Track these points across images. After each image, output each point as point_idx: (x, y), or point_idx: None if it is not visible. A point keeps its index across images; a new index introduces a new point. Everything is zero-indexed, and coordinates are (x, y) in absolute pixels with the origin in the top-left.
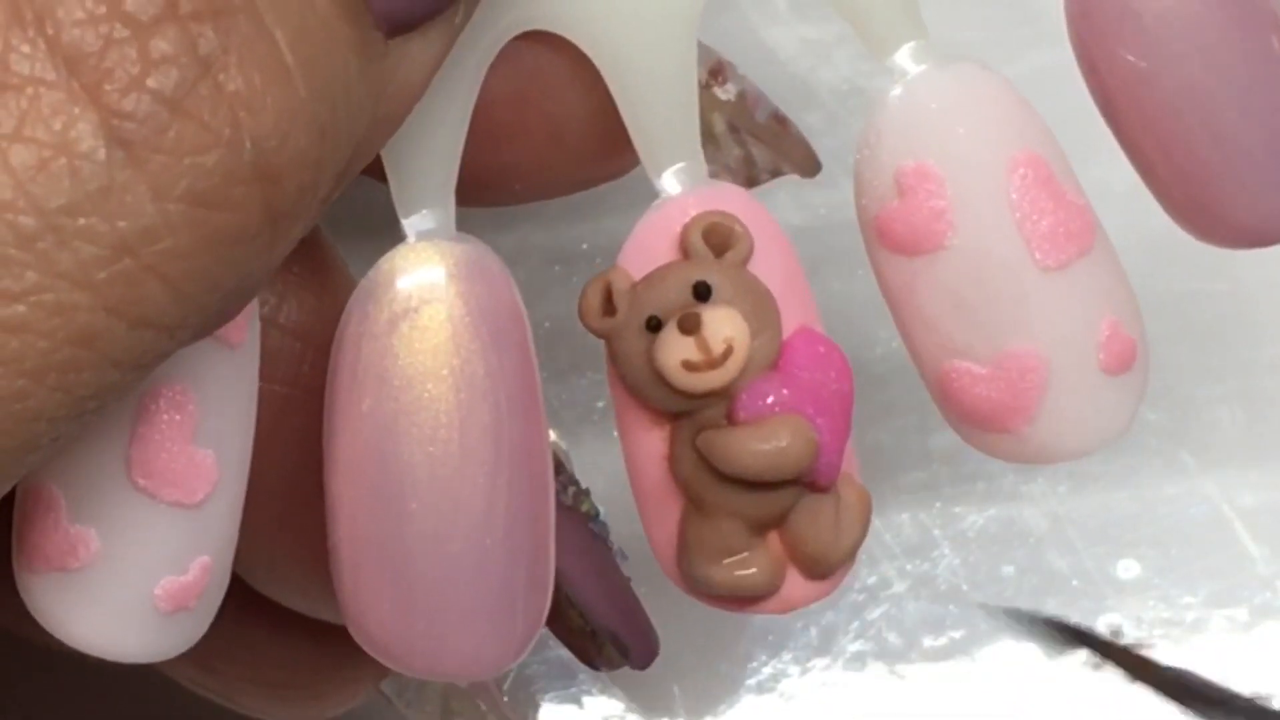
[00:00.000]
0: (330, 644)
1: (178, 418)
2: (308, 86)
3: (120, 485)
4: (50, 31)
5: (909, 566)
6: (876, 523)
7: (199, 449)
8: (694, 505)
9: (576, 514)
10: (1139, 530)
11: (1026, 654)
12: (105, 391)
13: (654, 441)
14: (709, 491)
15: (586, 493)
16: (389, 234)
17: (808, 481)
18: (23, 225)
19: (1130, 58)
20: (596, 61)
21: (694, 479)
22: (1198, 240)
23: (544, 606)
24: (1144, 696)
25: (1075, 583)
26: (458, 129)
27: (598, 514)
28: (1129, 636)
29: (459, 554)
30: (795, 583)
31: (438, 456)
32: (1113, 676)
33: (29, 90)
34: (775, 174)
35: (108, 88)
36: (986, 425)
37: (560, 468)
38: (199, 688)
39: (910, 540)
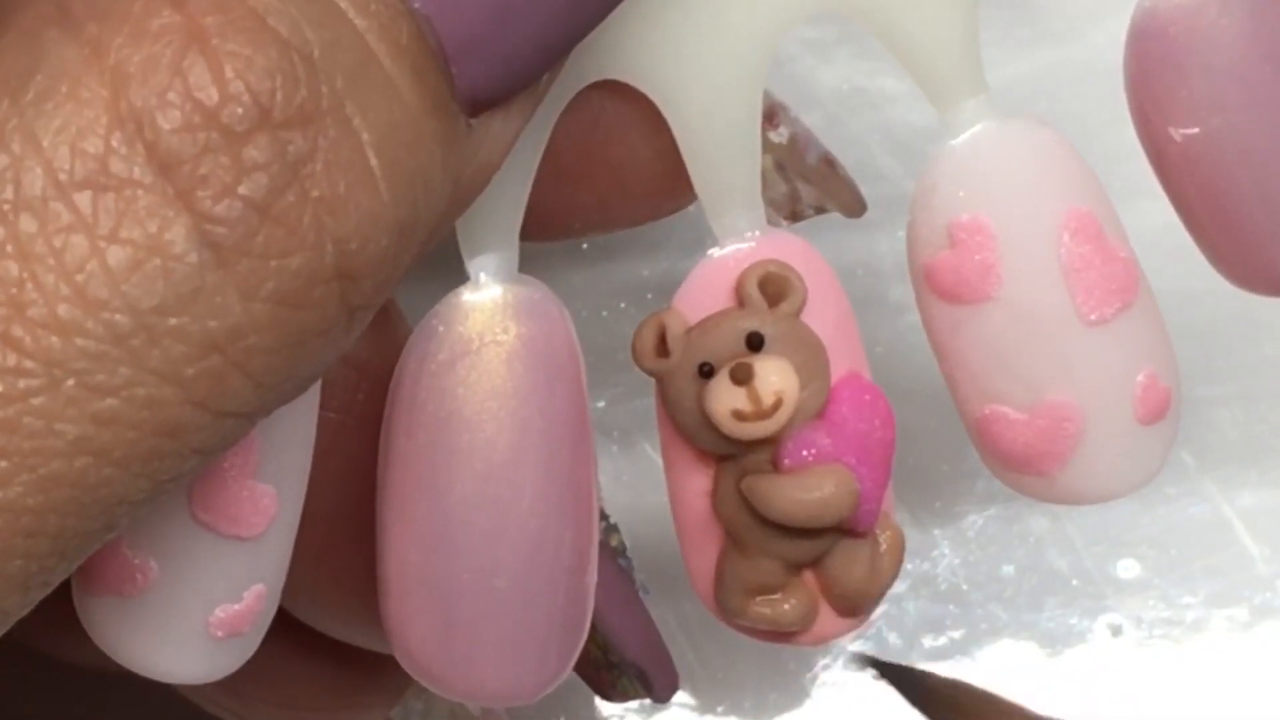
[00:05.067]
0: (351, 668)
1: (241, 454)
2: (391, 189)
3: (181, 517)
4: (149, 137)
5: (909, 566)
6: None
7: (260, 484)
8: (734, 543)
9: (606, 548)
10: (1139, 530)
11: (1026, 654)
12: (185, 475)
13: (699, 479)
14: (749, 532)
15: (615, 528)
16: (453, 273)
17: (846, 528)
18: (118, 324)
19: (1184, 118)
20: (664, 110)
21: (736, 519)
22: (1238, 288)
23: (581, 639)
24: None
25: (1075, 583)
26: (525, 176)
27: (624, 549)
28: (1129, 636)
29: (505, 589)
30: (828, 618)
31: (490, 495)
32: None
33: (126, 192)
34: (820, 211)
35: (201, 193)
36: (1019, 467)
37: None
38: (217, 708)
39: (910, 540)
